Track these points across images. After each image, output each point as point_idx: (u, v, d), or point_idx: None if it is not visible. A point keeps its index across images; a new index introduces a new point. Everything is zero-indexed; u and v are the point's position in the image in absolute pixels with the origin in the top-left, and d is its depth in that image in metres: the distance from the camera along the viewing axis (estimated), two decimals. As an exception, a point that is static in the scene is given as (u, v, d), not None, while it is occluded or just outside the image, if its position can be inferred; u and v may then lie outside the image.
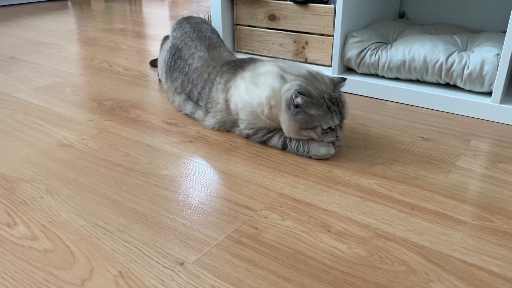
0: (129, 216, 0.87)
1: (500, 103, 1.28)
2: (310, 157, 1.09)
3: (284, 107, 1.04)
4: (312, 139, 1.07)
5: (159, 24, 2.83)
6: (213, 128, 1.23)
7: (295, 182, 0.98)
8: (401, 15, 1.85)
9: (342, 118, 1.05)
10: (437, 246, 0.78)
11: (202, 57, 1.31)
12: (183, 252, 0.77)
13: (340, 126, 1.06)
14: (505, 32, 1.24)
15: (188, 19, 1.49)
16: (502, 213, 0.87)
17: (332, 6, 1.52)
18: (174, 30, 1.47)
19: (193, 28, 1.42)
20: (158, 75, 1.61)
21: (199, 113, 1.26)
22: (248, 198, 0.93)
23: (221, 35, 1.75)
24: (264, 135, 1.14)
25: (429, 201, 0.91)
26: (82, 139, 1.19)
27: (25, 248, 0.78)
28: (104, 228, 0.83)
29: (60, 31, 2.55)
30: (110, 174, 1.02)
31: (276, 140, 1.12)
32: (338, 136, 1.06)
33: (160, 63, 1.51)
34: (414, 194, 0.94)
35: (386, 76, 1.49)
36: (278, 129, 1.12)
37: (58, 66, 1.86)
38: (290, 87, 1.04)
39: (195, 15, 1.60)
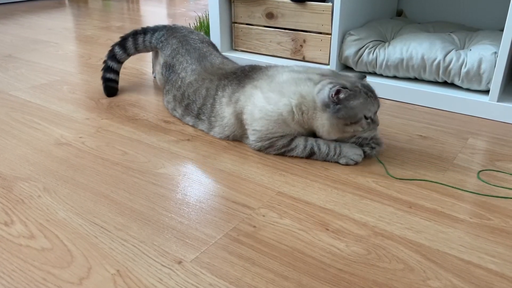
0: (126, 214, 0.87)
1: (498, 101, 1.29)
2: (337, 162, 1.05)
3: (321, 107, 1.00)
4: (354, 135, 1.04)
5: (156, 22, 2.82)
6: (220, 138, 1.18)
7: (293, 181, 0.99)
8: (399, 13, 1.85)
9: (378, 105, 1.04)
10: (434, 244, 0.78)
11: (195, 70, 1.26)
12: (181, 251, 0.77)
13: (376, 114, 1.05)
14: (502, 30, 1.24)
15: (173, 33, 1.43)
16: (499, 211, 0.88)
17: (330, 4, 1.52)
18: (162, 47, 1.41)
19: (181, 42, 1.38)
20: (153, 72, 1.59)
21: (203, 126, 1.21)
22: (246, 196, 0.93)
23: (218, 33, 1.75)
24: (283, 147, 1.07)
25: (426, 199, 0.91)
26: (80, 137, 1.19)
27: (23, 247, 0.78)
28: (101, 227, 0.83)
29: (57, 29, 2.55)
30: (108, 172, 1.02)
31: (301, 150, 1.06)
32: (377, 124, 1.05)
33: (157, 67, 1.47)
34: (412, 192, 0.94)
35: (384, 74, 1.49)
36: (298, 137, 1.07)
37: (55, 64, 1.85)
38: (322, 87, 1.01)
39: (175, 23, 1.57)
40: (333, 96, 0.98)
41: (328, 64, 1.58)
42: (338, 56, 1.53)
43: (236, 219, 0.85)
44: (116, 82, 1.51)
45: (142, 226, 0.83)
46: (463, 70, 1.33)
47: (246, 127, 1.11)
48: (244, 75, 1.15)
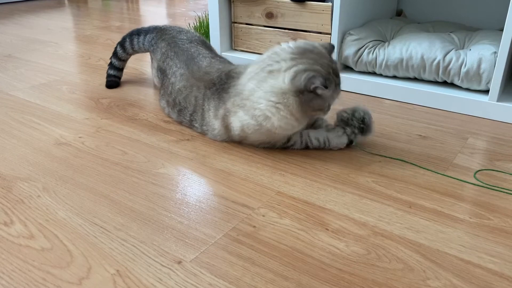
0: (126, 214, 0.87)
1: (497, 101, 1.29)
2: (330, 149, 1.12)
3: (294, 92, 0.99)
4: (317, 115, 1.09)
5: (156, 22, 2.82)
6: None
7: (293, 180, 0.98)
8: (399, 13, 1.85)
9: (339, 83, 1.05)
10: (434, 243, 0.78)
11: (183, 74, 1.25)
12: (181, 251, 0.77)
13: None
14: (502, 30, 1.24)
15: (162, 36, 1.43)
16: (499, 211, 0.88)
17: (330, 4, 1.52)
18: (154, 50, 1.43)
19: (169, 45, 1.37)
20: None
21: (198, 130, 1.21)
22: (245, 196, 0.93)
23: (218, 33, 1.75)
24: (283, 144, 1.12)
25: (426, 199, 0.91)
26: (79, 137, 1.19)
27: (22, 247, 0.78)
28: (101, 227, 0.83)
29: (56, 29, 2.54)
30: (107, 172, 1.02)
31: (298, 145, 1.12)
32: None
33: (153, 70, 1.48)
34: (412, 192, 0.94)
35: (383, 74, 1.49)
36: (294, 135, 1.10)
37: (55, 64, 1.85)
38: (295, 75, 0.98)
39: (165, 25, 1.50)
40: (310, 88, 0.97)
41: (328, 64, 1.58)
42: (337, 56, 1.53)
43: (235, 219, 0.85)
44: (117, 77, 1.60)
45: (141, 226, 0.83)
46: (463, 70, 1.33)
47: (244, 140, 1.13)
48: (222, 89, 1.12)
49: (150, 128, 1.24)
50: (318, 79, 0.97)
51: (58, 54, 2.01)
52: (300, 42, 1.05)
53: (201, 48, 1.36)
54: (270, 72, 1.02)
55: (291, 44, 1.05)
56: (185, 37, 1.41)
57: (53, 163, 1.06)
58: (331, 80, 1.00)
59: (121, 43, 1.53)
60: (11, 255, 0.76)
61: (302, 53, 1.01)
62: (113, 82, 1.58)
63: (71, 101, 1.44)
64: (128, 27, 2.59)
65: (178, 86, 1.24)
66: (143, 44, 1.49)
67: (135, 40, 1.50)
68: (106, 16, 2.97)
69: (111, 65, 1.57)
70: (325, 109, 1.04)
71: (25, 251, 0.77)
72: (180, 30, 1.46)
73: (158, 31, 1.47)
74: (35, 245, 0.78)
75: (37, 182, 0.98)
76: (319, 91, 0.98)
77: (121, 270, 0.72)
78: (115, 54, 1.55)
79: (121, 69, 1.60)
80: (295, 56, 1.01)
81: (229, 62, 1.31)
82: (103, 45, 2.17)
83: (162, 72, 1.35)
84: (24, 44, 2.18)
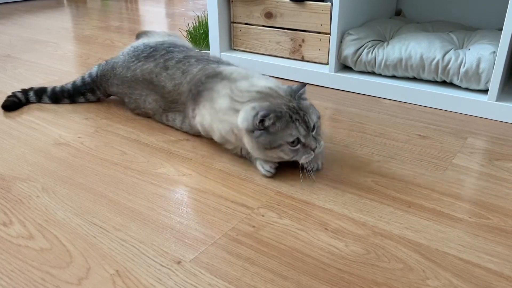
0: (125, 214, 0.87)
1: (497, 100, 1.29)
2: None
3: (245, 132, 0.95)
4: (282, 158, 0.96)
5: (155, 22, 2.82)
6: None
7: (292, 180, 0.98)
8: (398, 13, 1.85)
9: (307, 126, 0.93)
10: (433, 243, 0.78)
11: (157, 100, 1.21)
12: (180, 251, 0.77)
13: (314, 138, 0.95)
14: (501, 29, 1.24)
15: (110, 79, 1.31)
16: (498, 211, 0.88)
17: (329, 3, 1.52)
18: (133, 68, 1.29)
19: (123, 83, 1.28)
20: None
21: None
22: (245, 196, 0.93)
23: (217, 33, 1.75)
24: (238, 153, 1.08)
25: (425, 199, 0.92)
26: (78, 137, 1.19)
27: (22, 247, 0.78)
28: (100, 227, 0.83)
29: (55, 29, 2.54)
30: (107, 172, 1.02)
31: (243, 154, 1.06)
32: (313, 149, 0.94)
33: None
34: (411, 192, 0.94)
35: (382, 74, 1.49)
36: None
37: (54, 64, 1.85)
38: (244, 114, 0.94)
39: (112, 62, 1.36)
40: (257, 124, 0.92)
41: (327, 64, 1.58)
42: (337, 55, 1.53)
43: (235, 219, 0.85)
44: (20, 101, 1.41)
45: (141, 226, 0.83)
46: (462, 69, 1.33)
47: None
48: (197, 94, 1.09)
49: (149, 128, 1.24)
50: (262, 112, 0.91)
51: (57, 54, 2.01)
52: (265, 87, 1.00)
53: (172, 49, 1.27)
54: (234, 109, 0.99)
55: (259, 84, 1.02)
56: (150, 46, 1.30)
57: (52, 163, 1.06)
58: (282, 114, 0.92)
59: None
60: (10, 255, 0.76)
61: (256, 97, 0.98)
62: (13, 104, 1.37)
63: (70, 101, 1.44)
64: (127, 27, 2.59)
65: (162, 117, 1.24)
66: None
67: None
68: (105, 16, 2.97)
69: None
70: (283, 148, 0.93)
71: (24, 252, 0.77)
72: (145, 34, 1.41)
73: (133, 51, 1.31)
74: (34, 246, 0.78)
75: (36, 182, 0.98)
76: (266, 123, 0.91)
77: (121, 270, 0.72)
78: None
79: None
80: (250, 98, 0.98)
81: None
82: (102, 45, 2.17)
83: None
84: (23, 44, 2.18)
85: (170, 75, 1.18)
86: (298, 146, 0.93)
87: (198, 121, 1.10)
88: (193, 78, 1.13)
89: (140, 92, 1.25)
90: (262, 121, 0.91)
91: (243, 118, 0.95)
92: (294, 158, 0.95)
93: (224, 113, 1.01)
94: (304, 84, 1.00)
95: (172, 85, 1.17)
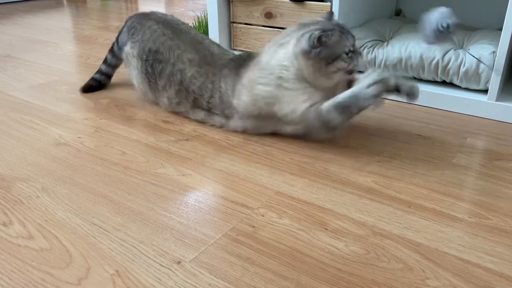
0: (125, 214, 0.87)
1: (496, 100, 1.29)
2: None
3: (303, 57, 1.05)
4: (340, 70, 1.07)
5: (155, 22, 2.81)
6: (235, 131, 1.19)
7: (292, 180, 0.98)
8: (398, 13, 1.85)
9: (352, 37, 1.09)
10: (433, 243, 0.79)
11: (193, 59, 1.19)
12: (180, 251, 0.77)
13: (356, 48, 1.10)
14: (501, 29, 1.24)
15: (147, 16, 1.31)
16: (498, 211, 0.88)
17: (329, 3, 1.52)
18: (132, 34, 1.30)
19: (161, 23, 1.26)
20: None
21: (217, 121, 1.20)
22: (245, 196, 0.93)
23: (217, 33, 1.75)
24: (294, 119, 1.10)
25: (425, 199, 0.92)
26: (78, 137, 1.19)
27: (21, 247, 0.78)
28: (100, 227, 0.83)
29: (55, 29, 2.54)
30: (107, 172, 1.02)
31: (312, 120, 1.08)
32: (361, 53, 1.11)
33: (134, 77, 1.35)
34: (411, 192, 0.94)
35: (382, 73, 1.49)
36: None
37: (54, 64, 1.85)
38: (297, 41, 1.07)
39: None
40: (315, 43, 1.03)
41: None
42: (336, 55, 1.53)
43: (235, 219, 0.85)
44: (99, 82, 1.52)
45: (141, 226, 0.83)
46: (462, 69, 1.33)
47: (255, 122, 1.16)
48: (240, 65, 1.16)
49: (149, 128, 1.24)
50: (318, 32, 1.03)
51: (57, 54, 2.01)
52: (304, 19, 1.14)
53: (202, 34, 1.30)
54: (281, 45, 1.11)
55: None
56: (176, 19, 1.31)
57: (52, 163, 1.06)
58: (335, 30, 1.05)
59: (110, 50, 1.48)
60: (10, 255, 0.76)
61: (304, 25, 1.10)
62: (91, 87, 1.51)
63: (70, 101, 1.44)
64: (127, 27, 2.58)
65: (190, 73, 1.18)
66: (121, 39, 1.37)
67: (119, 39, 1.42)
68: (105, 16, 2.97)
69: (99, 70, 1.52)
70: (342, 57, 1.05)
71: (24, 252, 0.77)
72: (166, 14, 1.34)
73: (141, 16, 1.32)
74: (34, 246, 0.78)
75: (36, 182, 0.98)
76: (323, 39, 1.03)
77: (120, 270, 0.72)
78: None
79: (107, 75, 1.52)
80: (298, 28, 1.10)
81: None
82: (102, 45, 2.17)
83: (150, 54, 1.23)
84: (23, 44, 2.18)
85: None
86: (350, 54, 1.07)
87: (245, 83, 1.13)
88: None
89: (177, 43, 1.25)
90: (319, 38, 1.03)
91: (298, 44, 1.07)
92: (351, 66, 1.08)
93: (269, 60, 1.11)
94: (332, 13, 1.16)
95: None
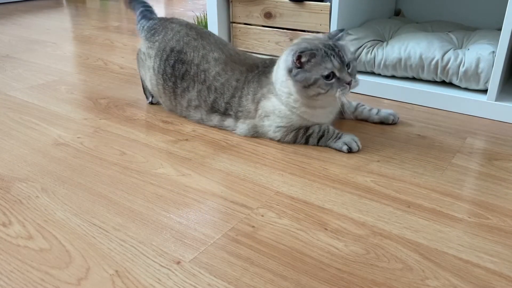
0: (125, 215, 0.87)
1: (496, 100, 1.29)
2: (329, 147, 1.12)
3: (287, 75, 1.04)
4: (319, 94, 1.02)
5: (154, 22, 2.81)
6: (245, 136, 1.18)
7: (292, 180, 0.98)
8: (397, 13, 1.85)
9: (342, 61, 1.00)
10: (433, 243, 0.79)
11: (219, 59, 1.18)
12: (180, 251, 0.77)
13: (350, 73, 1.02)
14: (500, 29, 1.24)
15: (169, 20, 1.31)
16: (497, 210, 0.88)
17: (328, 3, 1.52)
18: (153, 34, 1.27)
19: (185, 25, 1.25)
20: (147, 98, 1.39)
21: (230, 126, 1.19)
22: (244, 196, 0.93)
23: (217, 33, 1.75)
24: (303, 134, 1.13)
25: (425, 199, 0.92)
26: (78, 137, 1.19)
27: (21, 247, 0.78)
28: (100, 227, 0.83)
29: (55, 29, 2.54)
30: (106, 172, 1.01)
31: (316, 132, 1.11)
32: (348, 83, 1.01)
33: (148, 78, 1.30)
34: (410, 192, 0.94)
35: (382, 73, 1.49)
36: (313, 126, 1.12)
37: (53, 64, 1.85)
38: (285, 56, 1.05)
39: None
40: (295, 61, 1.01)
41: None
42: (336, 55, 1.53)
43: (234, 219, 0.85)
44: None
45: (140, 226, 0.83)
46: (461, 69, 1.33)
47: (267, 132, 1.15)
48: (263, 73, 1.15)
49: (149, 128, 1.24)
50: (299, 49, 1.00)
51: (57, 54, 2.00)
52: (307, 36, 1.11)
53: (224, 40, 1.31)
54: (278, 62, 1.10)
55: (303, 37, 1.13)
56: (200, 27, 1.30)
57: (52, 163, 1.06)
58: (316, 50, 1.00)
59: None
60: (10, 255, 0.76)
61: (297, 42, 1.08)
62: None
63: (70, 102, 1.44)
64: (127, 27, 2.58)
65: (214, 71, 1.17)
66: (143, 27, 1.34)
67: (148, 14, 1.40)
68: (104, 16, 2.97)
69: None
70: (319, 83, 1.00)
71: (23, 252, 0.77)
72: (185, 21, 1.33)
73: (163, 20, 1.32)
74: (34, 246, 0.78)
75: (35, 182, 0.98)
76: (302, 59, 1.00)
77: (120, 270, 0.72)
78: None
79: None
80: (293, 44, 1.09)
81: None
82: (102, 45, 2.16)
83: (171, 54, 1.20)
84: (23, 44, 2.17)
85: None
86: (333, 80, 1.01)
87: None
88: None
89: (203, 43, 1.24)
90: (299, 57, 1.00)
91: (284, 60, 1.06)
92: (330, 93, 1.01)
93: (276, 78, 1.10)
94: (342, 29, 1.08)
95: None
